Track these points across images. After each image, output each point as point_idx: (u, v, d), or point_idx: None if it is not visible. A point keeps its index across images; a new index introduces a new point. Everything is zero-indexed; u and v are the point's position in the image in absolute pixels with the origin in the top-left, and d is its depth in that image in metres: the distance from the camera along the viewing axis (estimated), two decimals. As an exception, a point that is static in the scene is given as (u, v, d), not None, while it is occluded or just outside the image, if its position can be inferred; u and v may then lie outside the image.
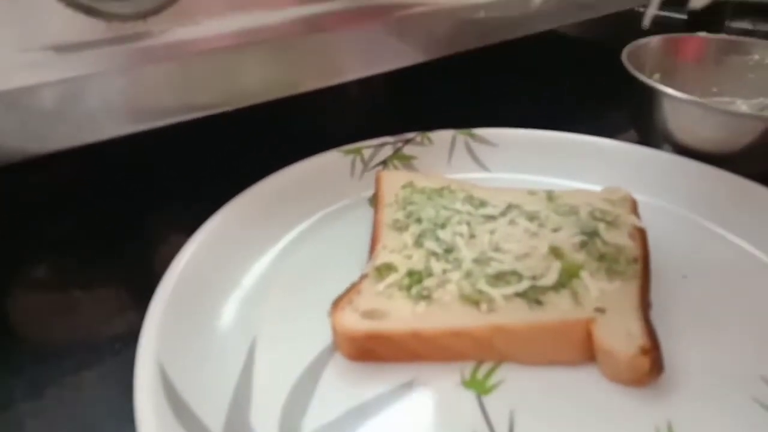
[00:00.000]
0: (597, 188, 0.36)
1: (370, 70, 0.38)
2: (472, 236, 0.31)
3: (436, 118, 0.44)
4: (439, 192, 0.35)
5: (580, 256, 0.29)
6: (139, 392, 0.23)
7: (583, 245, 0.30)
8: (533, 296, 0.27)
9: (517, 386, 0.26)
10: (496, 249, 0.30)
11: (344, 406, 0.25)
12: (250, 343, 0.27)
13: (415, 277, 0.28)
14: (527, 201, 0.34)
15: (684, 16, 0.73)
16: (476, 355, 0.27)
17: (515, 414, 0.24)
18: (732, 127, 0.39)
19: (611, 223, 0.32)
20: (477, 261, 0.29)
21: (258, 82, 0.33)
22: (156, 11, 0.27)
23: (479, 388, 0.26)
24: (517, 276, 0.28)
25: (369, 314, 0.27)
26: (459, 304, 0.27)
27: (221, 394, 0.24)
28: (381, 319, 0.26)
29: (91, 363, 0.28)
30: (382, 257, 0.30)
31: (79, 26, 0.26)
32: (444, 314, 0.27)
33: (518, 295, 0.27)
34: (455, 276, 0.28)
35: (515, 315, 0.26)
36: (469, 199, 0.34)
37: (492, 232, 0.31)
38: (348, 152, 0.40)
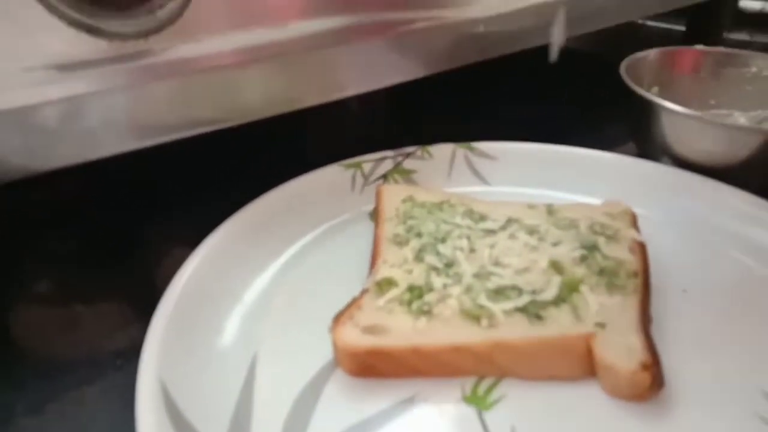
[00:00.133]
0: (597, 202, 0.36)
1: (371, 85, 0.38)
2: (472, 250, 0.31)
3: (436, 132, 0.44)
4: (440, 206, 0.35)
5: (580, 271, 0.29)
6: (141, 408, 0.23)
7: (583, 259, 0.30)
8: (533, 311, 0.27)
9: (518, 401, 0.26)
10: (496, 263, 0.30)
11: (345, 422, 0.25)
12: (251, 358, 0.27)
13: (415, 292, 0.28)
14: (527, 215, 0.34)
15: (682, 28, 0.73)
16: (477, 370, 0.27)
17: (516, 430, 0.24)
18: (730, 140, 0.39)
19: (611, 237, 0.32)
20: (477, 275, 0.29)
21: (259, 99, 0.33)
22: (157, 30, 0.28)
23: (480, 403, 0.26)
24: (517, 290, 0.28)
25: (370, 330, 0.27)
26: (459, 319, 0.27)
27: (223, 410, 0.24)
28: (382, 335, 0.26)
29: (93, 378, 0.28)
30: (383, 272, 0.30)
31: (81, 45, 0.26)
32: (444, 329, 0.27)
33: (518, 309, 0.27)
34: (456, 291, 0.28)
35: (516, 330, 0.26)
36: (469, 213, 0.34)
37: (492, 246, 0.31)
38: (348, 166, 0.40)
